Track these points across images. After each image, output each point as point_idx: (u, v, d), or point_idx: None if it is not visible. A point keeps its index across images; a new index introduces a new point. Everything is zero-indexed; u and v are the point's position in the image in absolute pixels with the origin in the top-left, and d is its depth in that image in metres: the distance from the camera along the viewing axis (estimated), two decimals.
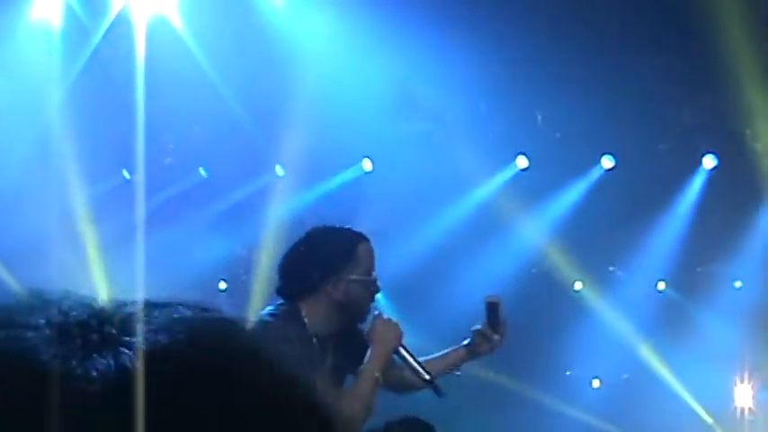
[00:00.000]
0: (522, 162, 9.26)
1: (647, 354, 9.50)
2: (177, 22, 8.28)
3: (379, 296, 3.95)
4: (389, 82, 8.66)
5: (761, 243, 8.98)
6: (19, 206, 8.18)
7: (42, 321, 0.70)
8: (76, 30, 8.29)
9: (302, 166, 8.89)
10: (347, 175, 9.40)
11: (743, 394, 9.34)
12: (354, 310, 3.83)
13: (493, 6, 8.09)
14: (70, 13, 8.28)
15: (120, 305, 0.74)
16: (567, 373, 9.78)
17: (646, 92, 8.49)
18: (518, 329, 9.16)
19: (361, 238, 3.92)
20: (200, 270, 9.22)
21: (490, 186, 9.30)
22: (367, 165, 9.36)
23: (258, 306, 8.33)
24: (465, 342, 4.20)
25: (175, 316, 0.73)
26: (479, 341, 4.16)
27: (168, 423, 0.65)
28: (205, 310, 0.75)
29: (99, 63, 8.39)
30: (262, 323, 3.73)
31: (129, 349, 0.68)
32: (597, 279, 9.66)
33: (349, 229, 3.96)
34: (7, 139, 8.18)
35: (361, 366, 3.78)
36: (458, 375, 4.06)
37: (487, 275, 8.26)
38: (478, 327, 4.16)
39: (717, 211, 9.08)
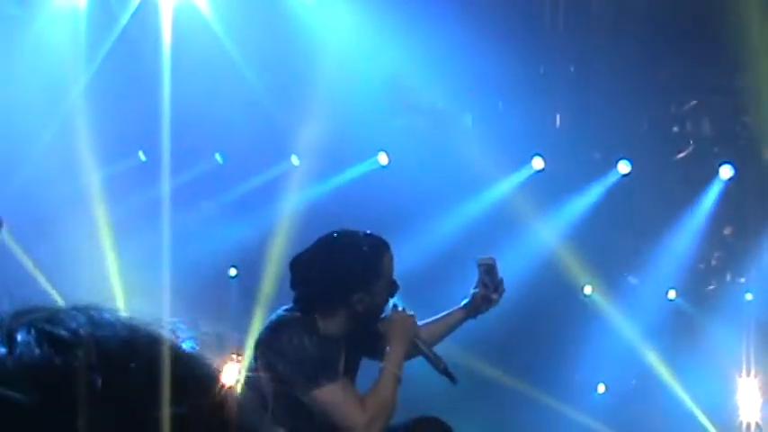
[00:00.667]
0: (538, 163, 9.24)
1: (655, 361, 9.47)
2: (203, 6, 8.30)
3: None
4: (408, 78, 8.66)
5: None
6: (41, 186, 8.23)
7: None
8: (103, 13, 8.31)
9: (318, 157, 8.89)
10: (363, 167, 9.40)
11: (750, 408, 9.31)
12: (373, 317, 3.81)
13: (514, 7, 8.08)
14: None
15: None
16: (575, 377, 9.76)
17: (664, 99, 8.46)
18: (525, 331, 9.20)
19: (385, 247, 3.81)
20: (211, 255, 9.25)
21: (505, 186, 9.28)
22: (383, 159, 9.35)
23: (268, 293, 8.36)
24: (463, 302, 4.22)
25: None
26: (479, 302, 4.19)
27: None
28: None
29: (125, 46, 8.41)
30: (289, 317, 3.70)
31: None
32: (608, 284, 9.63)
33: (372, 237, 3.82)
34: (33, 121, 8.21)
35: (382, 365, 3.78)
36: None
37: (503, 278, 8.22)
38: (476, 290, 4.19)
39: (732, 221, 9.04)
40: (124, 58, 8.41)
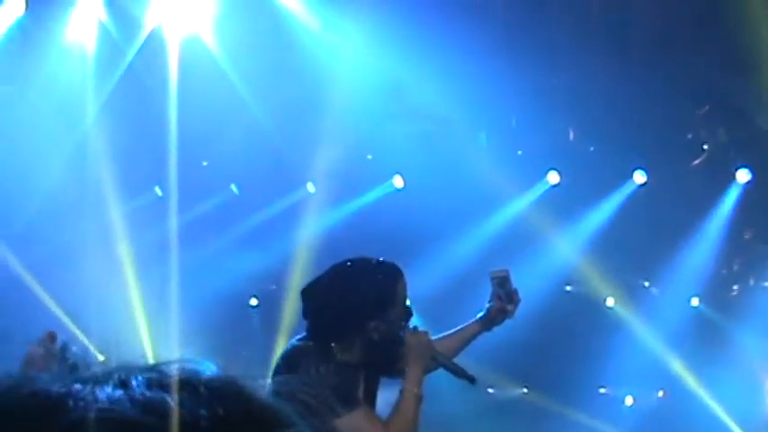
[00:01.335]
0: (553, 178, 9.23)
1: (681, 371, 9.40)
2: (209, 40, 8.35)
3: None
4: (420, 99, 8.67)
5: None
6: (55, 221, 8.27)
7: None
8: (110, 49, 8.38)
9: (334, 183, 8.91)
10: (379, 191, 9.41)
11: None
12: (389, 343, 3.79)
13: (526, 24, 8.09)
14: (104, 33, 8.37)
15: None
16: (601, 390, 9.70)
17: (678, 106, 8.44)
18: (550, 345, 9.16)
19: (399, 274, 3.77)
20: (231, 286, 9.26)
21: (522, 203, 9.27)
22: (398, 181, 9.36)
23: (290, 322, 8.35)
24: (479, 315, 4.21)
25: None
26: (494, 314, 4.17)
27: None
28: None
29: (132, 81, 8.47)
30: (304, 347, 3.69)
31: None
32: (630, 295, 9.59)
33: (386, 264, 3.78)
34: (43, 155, 8.27)
35: (401, 387, 3.76)
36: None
37: (519, 291, 8.20)
38: (490, 303, 4.18)
39: (751, 225, 8.99)
40: (132, 94, 8.47)
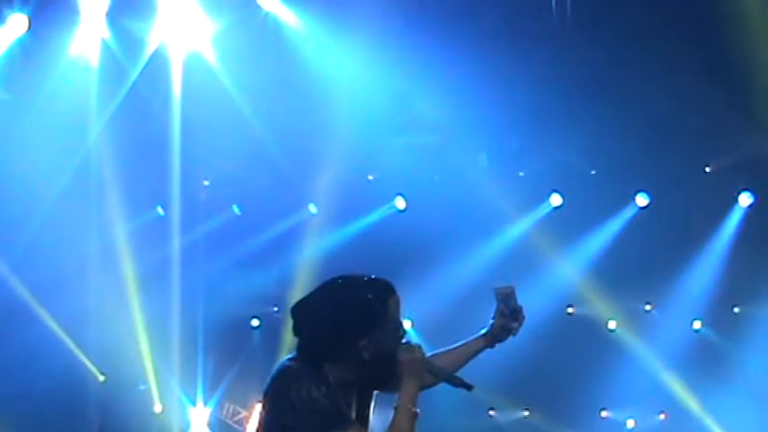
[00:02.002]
0: (555, 200, 9.23)
1: (683, 394, 9.37)
2: (213, 59, 8.36)
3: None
4: (423, 121, 8.69)
5: None
6: (56, 240, 8.26)
7: None
8: (114, 67, 8.39)
9: (336, 205, 8.90)
10: (381, 213, 9.41)
11: None
12: (382, 361, 3.77)
13: (527, 46, 8.11)
14: (108, 51, 8.38)
15: None
16: (603, 413, 9.67)
17: (681, 129, 8.45)
18: (552, 368, 9.12)
19: (390, 291, 3.71)
20: (232, 307, 9.24)
21: (524, 225, 9.26)
22: (400, 203, 9.36)
23: (291, 343, 8.33)
24: (482, 331, 4.17)
25: None
26: (498, 331, 4.13)
27: None
28: None
29: (135, 100, 8.48)
30: (295, 368, 3.66)
31: None
32: (632, 317, 9.57)
33: (376, 282, 3.70)
34: (46, 174, 8.27)
35: (396, 404, 3.74)
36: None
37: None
38: (494, 320, 4.13)
39: (754, 248, 8.98)
40: (135, 113, 8.48)
